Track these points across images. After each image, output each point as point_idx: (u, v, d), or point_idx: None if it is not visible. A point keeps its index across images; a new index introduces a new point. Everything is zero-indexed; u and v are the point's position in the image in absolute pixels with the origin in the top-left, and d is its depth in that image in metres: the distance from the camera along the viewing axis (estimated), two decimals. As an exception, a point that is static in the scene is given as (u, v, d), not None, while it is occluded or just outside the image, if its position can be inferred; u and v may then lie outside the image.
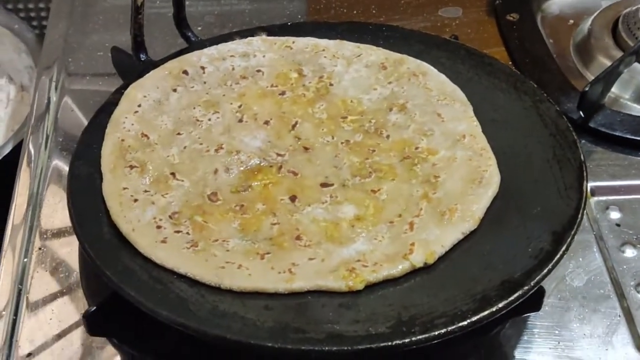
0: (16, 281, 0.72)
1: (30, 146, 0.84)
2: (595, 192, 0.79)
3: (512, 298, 0.60)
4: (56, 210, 0.78)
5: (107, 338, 0.68)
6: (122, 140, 0.73)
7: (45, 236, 0.75)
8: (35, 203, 0.78)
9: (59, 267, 0.73)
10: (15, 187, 0.80)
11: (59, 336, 0.68)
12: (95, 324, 0.65)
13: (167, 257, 0.64)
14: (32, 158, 0.83)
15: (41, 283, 0.72)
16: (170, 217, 0.67)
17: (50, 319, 0.69)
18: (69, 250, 0.74)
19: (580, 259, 0.73)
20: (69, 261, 0.73)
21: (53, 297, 0.71)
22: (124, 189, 0.69)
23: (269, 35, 0.84)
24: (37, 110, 0.89)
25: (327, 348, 0.58)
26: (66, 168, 0.81)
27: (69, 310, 0.70)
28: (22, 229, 0.76)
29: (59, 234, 0.76)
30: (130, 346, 0.68)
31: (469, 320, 0.59)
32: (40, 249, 0.74)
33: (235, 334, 0.58)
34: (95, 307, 0.64)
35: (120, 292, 0.61)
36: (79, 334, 0.68)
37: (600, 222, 0.76)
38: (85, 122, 0.84)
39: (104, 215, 0.67)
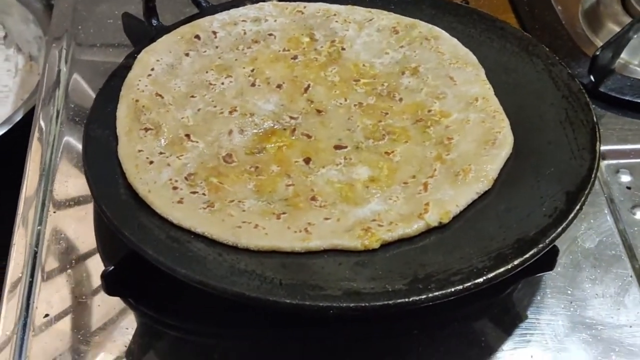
0: (32, 244, 0.72)
1: (41, 117, 0.84)
2: (605, 155, 0.79)
3: (527, 255, 0.60)
4: (69, 180, 0.78)
5: (124, 298, 0.68)
6: (137, 100, 0.73)
7: (58, 205, 0.76)
8: (47, 173, 0.78)
9: (73, 233, 0.73)
10: (27, 158, 0.80)
11: (75, 298, 0.69)
12: (112, 283, 0.65)
13: (184, 217, 0.64)
14: (44, 129, 0.83)
15: (56, 248, 0.72)
16: (186, 178, 0.68)
17: (67, 281, 0.70)
18: (83, 217, 0.75)
19: (592, 221, 0.74)
20: (83, 228, 0.74)
21: (68, 261, 0.71)
22: (139, 151, 0.69)
23: (279, 0, 0.84)
24: (48, 81, 0.89)
25: (344, 304, 0.58)
26: (77, 139, 0.81)
27: (84, 274, 0.71)
28: (35, 198, 0.76)
29: (72, 203, 0.76)
30: (147, 306, 0.68)
31: (484, 277, 0.59)
32: (54, 216, 0.75)
33: (254, 291, 0.59)
34: (113, 267, 0.64)
35: (139, 250, 0.61)
36: (95, 297, 0.69)
37: (611, 185, 0.77)
38: (95, 93, 0.84)
39: (120, 177, 0.68)
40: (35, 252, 0.72)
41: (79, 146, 0.80)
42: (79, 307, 0.68)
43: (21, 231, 0.74)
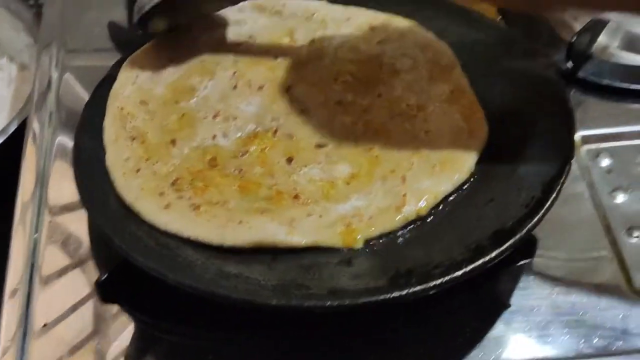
0: (29, 256, 0.74)
1: (35, 123, 0.86)
2: (585, 140, 0.80)
3: (504, 247, 0.62)
4: (63, 185, 0.79)
5: (119, 305, 0.70)
6: (122, 108, 0.75)
7: (54, 211, 0.77)
8: (42, 179, 0.80)
9: (68, 239, 0.75)
10: (22, 165, 0.82)
11: (73, 306, 0.70)
12: (107, 291, 0.68)
13: (171, 222, 0.66)
14: (37, 135, 0.85)
15: (52, 256, 0.74)
16: (172, 184, 0.69)
17: (63, 290, 0.72)
18: (78, 222, 0.76)
19: (573, 206, 0.75)
20: (79, 233, 0.75)
21: (65, 269, 0.73)
22: (126, 159, 0.71)
23: (258, -1, 0.86)
24: (39, 87, 0.90)
25: (329, 303, 0.60)
26: (70, 143, 0.82)
27: (80, 281, 0.72)
28: (31, 205, 0.78)
29: (67, 207, 0.78)
30: (142, 311, 0.70)
31: (463, 270, 0.61)
32: (50, 222, 0.76)
33: (242, 293, 0.61)
34: (106, 275, 0.67)
35: (130, 258, 0.63)
36: (91, 303, 0.70)
37: (592, 169, 0.78)
38: (87, 97, 0.86)
39: (109, 186, 0.70)
40: (32, 263, 0.74)
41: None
42: (76, 313, 0.70)
43: (19, 240, 0.75)
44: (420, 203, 0.67)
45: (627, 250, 0.72)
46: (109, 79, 0.78)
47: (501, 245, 0.62)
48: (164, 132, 0.74)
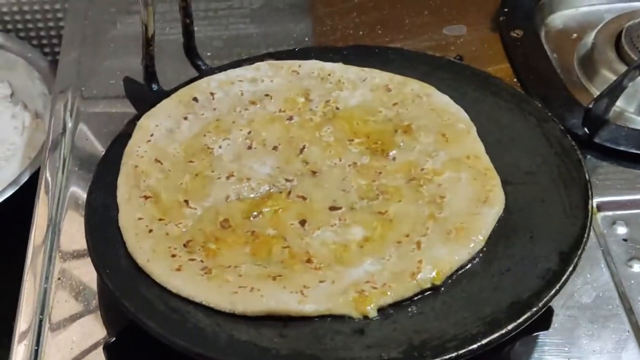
0: (37, 311, 0.74)
1: (48, 171, 0.86)
2: (601, 207, 0.79)
3: (521, 320, 0.61)
4: (75, 235, 0.79)
5: (127, 365, 0.70)
6: (136, 166, 0.75)
7: (65, 261, 0.77)
8: (54, 228, 0.80)
9: (79, 293, 0.75)
10: (34, 213, 0.82)
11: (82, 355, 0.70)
12: (115, 354, 0.67)
13: (182, 286, 0.66)
14: (50, 183, 0.85)
15: (62, 310, 0.73)
16: (184, 245, 0.69)
17: (71, 348, 0.71)
18: (88, 274, 0.75)
19: (588, 276, 0.74)
20: (89, 286, 0.75)
21: (74, 324, 0.72)
22: (139, 219, 0.71)
23: (275, 59, 0.85)
24: (53, 134, 0.91)
25: (340, 375, 0.59)
26: (83, 192, 0.82)
27: (89, 337, 0.71)
28: (42, 254, 0.78)
29: (78, 258, 0.77)
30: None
31: (479, 344, 0.60)
32: (60, 276, 0.76)
33: (251, 362, 0.60)
34: (114, 339, 0.66)
35: (138, 322, 0.63)
36: (100, 355, 0.70)
37: (608, 237, 0.77)
38: (101, 146, 0.86)
39: (121, 246, 0.69)
40: (41, 319, 0.73)
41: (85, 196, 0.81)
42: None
43: (28, 293, 0.75)
44: (435, 271, 0.65)
45: (643, 320, 0.71)
46: (124, 136, 0.78)
47: (518, 319, 0.61)
48: (177, 192, 0.73)
